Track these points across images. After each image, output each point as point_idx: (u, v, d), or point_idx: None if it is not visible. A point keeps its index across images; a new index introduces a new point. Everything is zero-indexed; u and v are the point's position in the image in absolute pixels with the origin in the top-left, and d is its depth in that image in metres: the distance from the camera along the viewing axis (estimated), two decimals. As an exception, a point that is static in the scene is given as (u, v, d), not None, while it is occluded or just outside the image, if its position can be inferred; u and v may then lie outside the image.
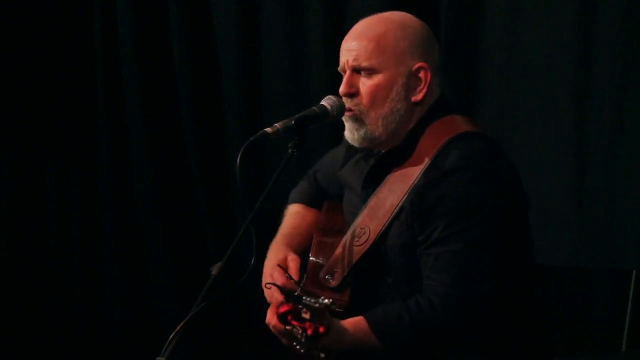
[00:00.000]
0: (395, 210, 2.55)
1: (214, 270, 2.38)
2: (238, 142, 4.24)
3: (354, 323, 2.47)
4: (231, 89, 4.38)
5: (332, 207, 2.88)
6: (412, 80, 2.60)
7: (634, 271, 3.20)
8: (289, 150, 2.53)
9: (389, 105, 2.58)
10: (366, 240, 2.58)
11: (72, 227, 4.78)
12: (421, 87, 2.60)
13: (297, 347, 2.25)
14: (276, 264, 2.72)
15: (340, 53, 2.67)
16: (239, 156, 2.48)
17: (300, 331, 2.21)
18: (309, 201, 2.96)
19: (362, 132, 2.61)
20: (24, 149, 4.75)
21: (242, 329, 4.46)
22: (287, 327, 2.25)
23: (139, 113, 4.56)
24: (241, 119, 4.35)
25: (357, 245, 2.60)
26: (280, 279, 2.68)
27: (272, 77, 4.29)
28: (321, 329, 2.19)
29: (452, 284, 2.46)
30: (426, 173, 2.52)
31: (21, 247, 4.76)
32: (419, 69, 2.59)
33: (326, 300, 2.22)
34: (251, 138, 2.50)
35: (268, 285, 2.63)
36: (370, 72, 2.59)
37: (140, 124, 4.56)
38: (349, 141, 2.67)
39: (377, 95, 2.58)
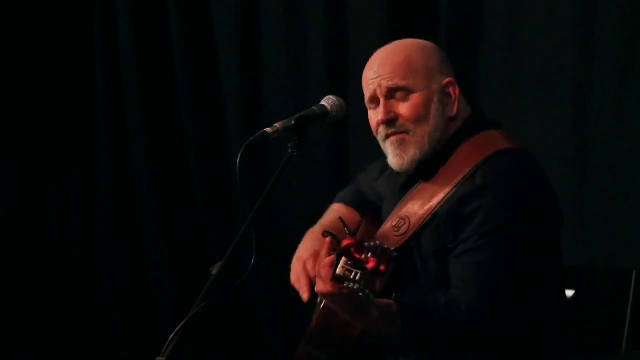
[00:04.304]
0: (430, 214, 2.56)
1: (214, 270, 2.38)
2: (238, 142, 4.24)
3: (384, 303, 2.44)
4: (231, 89, 4.38)
5: (373, 217, 2.89)
6: (444, 97, 2.62)
7: (634, 271, 3.21)
8: (289, 151, 2.53)
9: (432, 122, 2.60)
10: (406, 232, 2.59)
11: (72, 227, 4.78)
12: (452, 101, 2.62)
13: (351, 285, 2.21)
14: (312, 255, 2.71)
15: (366, 84, 2.65)
16: (239, 156, 2.48)
17: (355, 273, 2.19)
18: (351, 202, 2.96)
19: (410, 153, 2.61)
20: (24, 148, 4.75)
21: (242, 329, 4.46)
22: (341, 272, 2.22)
23: (139, 113, 4.56)
24: (241, 119, 4.35)
25: (396, 236, 2.60)
26: (313, 271, 2.66)
27: (272, 77, 4.29)
28: (382, 267, 2.17)
29: (476, 295, 2.46)
30: (463, 186, 2.54)
31: (21, 246, 4.76)
32: (447, 85, 2.63)
33: (387, 246, 2.20)
34: (251, 138, 2.51)
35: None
36: (407, 92, 2.60)
37: (140, 124, 4.57)
38: (396, 168, 2.65)
39: (420, 113, 2.59)
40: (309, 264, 2.71)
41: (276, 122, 2.55)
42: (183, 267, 4.54)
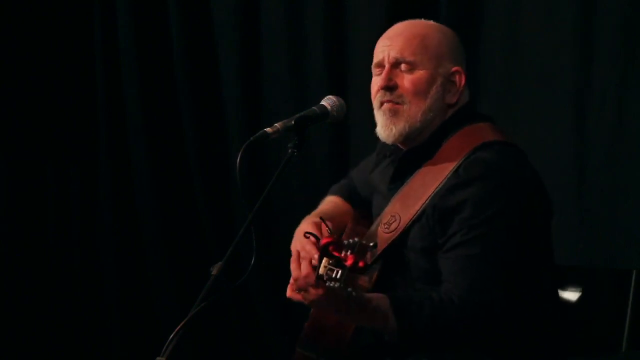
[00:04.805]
0: (420, 209, 2.56)
1: (214, 270, 2.38)
2: (238, 142, 4.24)
3: (376, 298, 2.45)
4: (231, 89, 4.38)
5: (362, 213, 2.89)
6: (447, 83, 2.63)
7: (634, 271, 3.20)
8: (289, 151, 2.53)
9: (429, 101, 2.61)
10: (396, 228, 2.60)
11: (72, 227, 4.78)
12: (455, 90, 2.63)
13: (332, 284, 2.22)
14: (311, 224, 2.73)
15: (377, 50, 2.67)
16: (239, 156, 2.48)
17: (336, 271, 2.20)
18: (346, 196, 2.98)
19: (400, 126, 2.62)
20: (24, 148, 4.75)
21: (242, 329, 4.46)
22: (323, 272, 2.23)
23: (139, 113, 4.56)
24: (241, 119, 4.35)
25: (387, 232, 2.60)
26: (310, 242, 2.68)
27: (272, 77, 4.29)
28: (361, 263, 2.18)
29: (468, 288, 2.46)
30: (450, 179, 2.55)
31: (21, 246, 4.76)
32: (454, 73, 2.64)
33: (368, 242, 2.21)
34: (251, 138, 2.51)
35: (307, 235, 2.62)
36: (412, 66, 2.61)
37: (140, 124, 4.56)
38: (383, 137, 2.67)
39: (420, 88, 2.61)
40: (309, 229, 2.70)
41: (276, 122, 2.56)
42: (183, 267, 4.54)
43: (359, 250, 2.21)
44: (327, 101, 2.66)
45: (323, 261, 2.25)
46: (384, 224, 2.63)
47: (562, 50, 3.53)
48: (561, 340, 2.65)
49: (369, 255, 2.27)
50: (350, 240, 2.23)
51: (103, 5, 4.59)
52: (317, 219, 2.76)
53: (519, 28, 3.62)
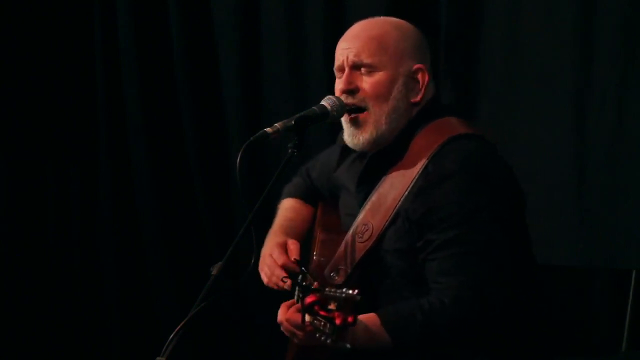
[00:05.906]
0: (393, 213, 2.55)
1: (214, 270, 2.38)
2: (238, 142, 4.24)
3: (366, 319, 2.44)
4: (231, 89, 4.38)
5: (328, 207, 2.89)
6: (410, 81, 2.61)
7: (634, 271, 3.21)
8: (289, 151, 2.53)
9: (391, 102, 2.60)
10: (369, 237, 2.59)
11: (72, 227, 4.78)
12: (419, 88, 2.61)
13: (322, 338, 2.18)
14: (275, 245, 2.75)
15: (337, 53, 2.67)
16: (239, 156, 2.48)
17: (324, 323, 2.17)
18: (304, 197, 2.97)
19: (367, 134, 2.61)
20: (24, 148, 4.75)
21: (242, 329, 4.46)
22: (310, 320, 2.21)
23: (139, 113, 4.56)
24: (241, 119, 4.35)
25: (361, 242, 2.60)
26: (281, 258, 2.70)
27: (272, 77, 4.29)
28: (350, 319, 2.14)
29: (460, 286, 2.45)
30: (422, 177, 2.53)
31: (20, 246, 4.76)
32: (417, 71, 2.62)
33: (350, 291, 2.15)
34: (251, 138, 2.51)
35: (284, 279, 2.62)
36: (372, 69, 2.60)
37: (140, 124, 4.56)
38: (352, 146, 2.66)
39: (381, 91, 2.60)
40: (275, 253, 2.74)
41: (276, 122, 2.56)
42: (183, 267, 4.54)
43: (345, 305, 2.14)
44: (327, 101, 2.66)
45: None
46: (358, 234, 2.61)
47: (562, 50, 3.52)
48: (546, 336, 2.64)
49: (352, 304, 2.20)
50: (333, 292, 2.16)
51: (103, 5, 4.59)
52: (282, 240, 2.78)
53: (519, 28, 3.62)
